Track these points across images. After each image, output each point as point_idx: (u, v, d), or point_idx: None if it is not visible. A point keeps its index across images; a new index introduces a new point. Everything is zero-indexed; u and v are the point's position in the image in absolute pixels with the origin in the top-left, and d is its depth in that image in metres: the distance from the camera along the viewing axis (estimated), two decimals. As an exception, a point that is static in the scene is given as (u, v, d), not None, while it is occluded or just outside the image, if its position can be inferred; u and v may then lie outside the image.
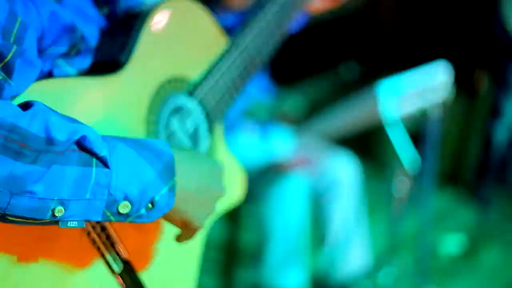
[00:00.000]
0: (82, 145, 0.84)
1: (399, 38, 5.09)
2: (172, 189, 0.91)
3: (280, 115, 2.76)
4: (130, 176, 0.87)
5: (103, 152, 0.85)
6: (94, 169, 0.84)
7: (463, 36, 4.49)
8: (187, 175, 0.95)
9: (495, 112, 3.82)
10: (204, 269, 2.63)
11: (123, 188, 0.86)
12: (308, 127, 2.61)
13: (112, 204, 0.86)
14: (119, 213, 0.87)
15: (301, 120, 2.65)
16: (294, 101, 2.77)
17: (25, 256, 0.91)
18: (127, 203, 0.87)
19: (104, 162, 0.85)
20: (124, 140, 0.90)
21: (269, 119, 2.74)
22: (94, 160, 0.84)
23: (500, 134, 3.85)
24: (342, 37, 4.89)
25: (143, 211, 0.89)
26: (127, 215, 0.88)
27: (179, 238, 1.04)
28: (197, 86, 1.19)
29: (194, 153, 1.01)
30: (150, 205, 0.89)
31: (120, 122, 1.04)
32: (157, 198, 0.89)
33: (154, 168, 0.89)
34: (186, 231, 1.01)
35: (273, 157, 2.61)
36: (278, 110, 2.77)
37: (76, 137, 0.83)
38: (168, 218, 0.96)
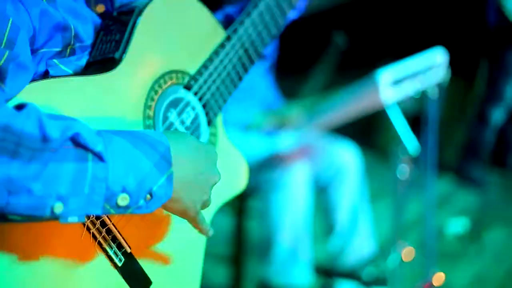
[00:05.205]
0: (76, 141, 0.85)
1: (396, 26, 5.09)
2: (169, 179, 0.92)
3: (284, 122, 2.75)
4: (127, 169, 0.88)
5: (98, 146, 0.86)
6: (90, 163, 0.85)
7: (460, 22, 4.49)
8: (183, 164, 0.95)
9: (493, 96, 3.82)
10: (213, 263, 2.64)
11: (121, 181, 0.87)
12: (309, 117, 2.61)
13: (110, 197, 0.87)
14: (118, 205, 0.88)
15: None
16: (299, 108, 2.78)
17: (26, 254, 0.91)
18: (125, 195, 0.88)
19: (99, 157, 0.86)
20: (119, 133, 0.91)
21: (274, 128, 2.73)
22: (90, 155, 0.85)
23: (498, 118, 3.86)
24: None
25: (142, 202, 0.90)
26: (126, 207, 0.89)
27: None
28: (193, 79, 1.19)
29: (189, 139, 1.00)
30: (148, 196, 0.90)
31: (117, 118, 1.04)
32: (155, 188, 0.91)
33: (151, 159, 0.90)
34: (186, 219, 1.02)
35: (276, 150, 2.62)
36: (283, 117, 2.77)
37: (70, 134, 0.84)
38: (166, 207, 0.97)
